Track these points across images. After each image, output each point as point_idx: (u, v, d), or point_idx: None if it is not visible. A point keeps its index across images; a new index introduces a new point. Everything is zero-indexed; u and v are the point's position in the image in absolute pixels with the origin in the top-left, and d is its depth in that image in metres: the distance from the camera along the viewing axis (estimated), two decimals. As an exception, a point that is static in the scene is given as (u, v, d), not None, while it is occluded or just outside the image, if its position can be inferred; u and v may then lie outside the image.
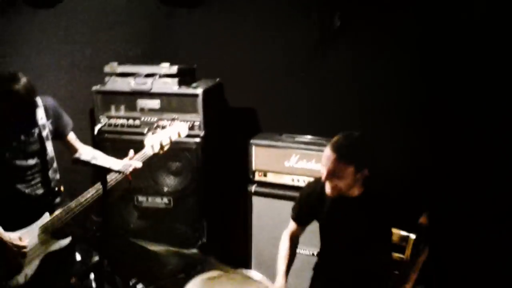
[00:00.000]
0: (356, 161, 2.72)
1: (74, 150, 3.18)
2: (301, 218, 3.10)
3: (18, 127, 2.98)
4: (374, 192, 2.85)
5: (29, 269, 3.03)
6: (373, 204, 2.84)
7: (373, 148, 2.84)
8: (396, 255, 3.11)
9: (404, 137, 3.85)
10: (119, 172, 2.79)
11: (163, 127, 3.16)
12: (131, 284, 2.61)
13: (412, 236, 3.06)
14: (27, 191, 3.02)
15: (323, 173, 2.77)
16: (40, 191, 3.07)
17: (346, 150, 2.71)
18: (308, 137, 3.89)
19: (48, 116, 3.09)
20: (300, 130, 3.95)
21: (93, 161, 2.76)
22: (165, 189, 3.76)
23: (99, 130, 3.74)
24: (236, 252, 3.82)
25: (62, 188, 3.16)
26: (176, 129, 3.19)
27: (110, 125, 3.76)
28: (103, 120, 3.75)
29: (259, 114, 4.25)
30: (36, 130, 3.04)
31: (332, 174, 2.73)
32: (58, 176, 3.15)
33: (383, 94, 3.90)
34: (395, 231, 3.08)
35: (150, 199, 3.79)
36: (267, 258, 3.82)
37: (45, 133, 3.05)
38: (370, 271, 2.90)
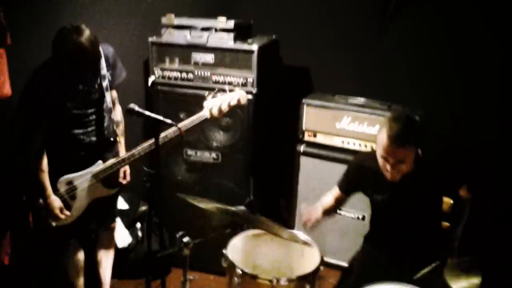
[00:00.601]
0: (414, 143, 2.74)
1: None
2: (347, 187, 3.09)
3: (81, 79, 3.01)
4: (424, 163, 2.82)
5: (76, 212, 3.13)
6: (424, 175, 2.82)
7: (423, 125, 2.82)
8: (445, 223, 3.07)
9: (456, 113, 3.75)
10: (171, 125, 2.81)
11: (224, 92, 3.13)
12: (177, 236, 2.65)
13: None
14: (82, 137, 3.08)
15: (382, 162, 2.75)
16: (94, 139, 3.13)
17: (405, 137, 2.69)
18: (361, 99, 3.82)
19: (108, 66, 3.11)
20: (354, 91, 3.88)
21: (147, 113, 2.80)
22: (214, 144, 3.77)
23: (153, 82, 3.75)
24: (281, 211, 3.84)
25: (118, 139, 3.22)
26: (236, 96, 3.16)
27: (163, 77, 3.76)
28: (157, 72, 3.76)
29: (313, 74, 4.19)
30: (98, 81, 3.07)
31: (396, 163, 2.73)
32: (113, 127, 3.20)
33: (439, 66, 3.79)
34: (444, 199, 3.04)
35: (199, 153, 3.81)
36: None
37: (105, 83, 3.09)
38: (420, 240, 2.88)
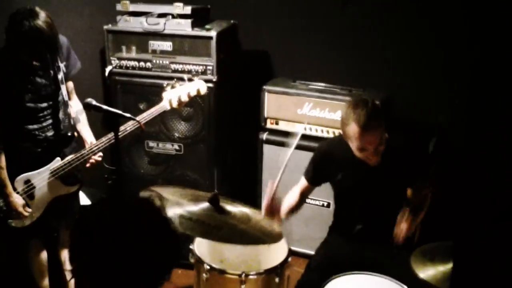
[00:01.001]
0: (382, 123, 2.72)
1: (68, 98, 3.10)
2: (314, 178, 3.05)
3: (35, 68, 2.89)
4: (393, 146, 2.81)
5: (36, 211, 3.03)
6: (394, 159, 2.81)
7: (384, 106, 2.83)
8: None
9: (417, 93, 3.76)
10: (130, 119, 2.74)
11: (182, 83, 3.09)
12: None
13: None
14: (37, 132, 2.97)
15: (367, 153, 2.73)
16: (50, 134, 3.02)
17: (374, 119, 2.68)
18: (322, 85, 3.80)
19: (62, 57, 3.00)
20: (315, 77, 3.85)
21: (105, 107, 2.71)
22: (176, 135, 3.70)
23: (110, 72, 3.64)
24: (246, 199, 3.80)
25: (76, 134, 3.11)
26: (195, 86, 3.14)
27: (121, 66, 3.65)
28: (114, 62, 3.65)
29: (273, 59, 4.13)
30: (52, 72, 2.95)
31: (377, 147, 2.72)
32: (71, 122, 3.09)
33: (400, 48, 3.78)
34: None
35: (160, 144, 3.73)
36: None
37: (60, 76, 2.97)
38: (386, 224, 2.89)
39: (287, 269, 2.84)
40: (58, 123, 3.05)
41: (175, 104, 3.07)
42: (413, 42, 3.73)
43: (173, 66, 3.61)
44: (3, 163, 2.88)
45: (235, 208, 2.54)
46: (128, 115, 2.70)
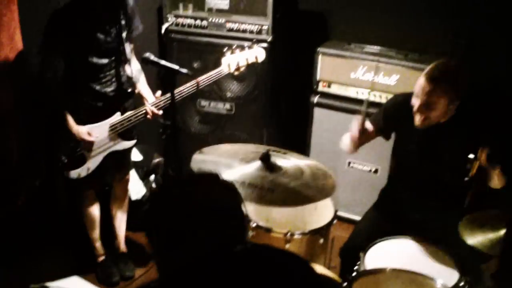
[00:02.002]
0: (452, 93, 2.61)
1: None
2: (382, 123, 2.93)
3: (99, 24, 2.95)
4: (462, 116, 2.73)
5: (92, 163, 3.12)
6: (460, 130, 2.72)
7: (468, 77, 2.70)
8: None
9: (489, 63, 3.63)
10: (187, 75, 2.77)
11: (242, 49, 3.10)
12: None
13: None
14: (98, 87, 3.05)
15: (416, 104, 2.66)
16: (110, 89, 3.09)
17: (443, 82, 2.58)
18: (377, 48, 3.73)
19: (127, 17, 3.04)
20: (371, 40, 3.79)
21: (163, 62, 2.75)
22: (228, 94, 3.73)
23: (166, 29, 3.68)
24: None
25: (136, 91, 3.17)
26: (254, 53, 3.14)
27: (177, 24, 3.69)
28: (171, 19, 3.68)
29: (329, 21, 4.07)
30: (115, 30, 3.00)
31: (425, 106, 2.64)
32: (132, 79, 3.14)
33: (463, 12, 3.64)
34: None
35: (212, 104, 3.78)
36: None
37: (124, 34, 3.02)
38: (442, 193, 2.84)
39: (332, 231, 2.87)
40: (119, 80, 3.11)
41: (233, 69, 3.10)
42: (473, 7, 3.61)
43: (228, 25, 3.62)
44: (64, 103, 2.96)
45: (286, 162, 2.56)
46: (185, 70, 2.73)
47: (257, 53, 3.16)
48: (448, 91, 2.61)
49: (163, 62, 2.73)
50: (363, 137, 2.85)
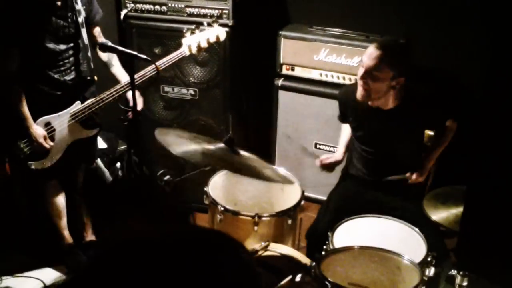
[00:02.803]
0: (397, 65, 2.69)
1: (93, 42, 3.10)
2: (343, 117, 3.12)
3: (54, 9, 2.87)
4: (411, 93, 2.80)
5: (56, 154, 3.07)
6: (412, 106, 2.81)
7: (412, 57, 2.79)
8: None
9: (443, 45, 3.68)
10: (146, 60, 2.73)
11: (202, 29, 3.08)
12: (158, 174, 2.63)
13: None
14: (56, 76, 2.98)
15: (360, 73, 2.70)
16: (69, 78, 3.03)
17: (391, 51, 2.69)
18: (339, 31, 3.74)
19: (82, 1, 2.97)
20: (332, 23, 3.79)
21: (121, 48, 2.71)
22: (191, 79, 3.69)
23: (125, 15, 3.61)
24: (260, 146, 3.81)
25: (95, 78, 3.11)
26: (215, 32, 3.12)
27: (136, 10, 3.62)
28: (129, 5, 3.62)
29: (290, 4, 4.06)
30: (71, 15, 2.93)
31: (369, 73, 2.69)
32: (91, 66, 3.08)
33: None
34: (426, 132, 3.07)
35: (176, 89, 3.73)
36: (290, 153, 3.83)
37: (80, 19, 2.95)
38: (402, 171, 2.92)
39: (299, 212, 2.88)
40: (78, 67, 3.06)
41: (194, 50, 3.07)
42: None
43: (188, 10, 3.57)
44: (22, 98, 2.90)
45: (249, 155, 2.56)
46: (143, 56, 2.71)
47: (218, 32, 3.14)
48: (392, 62, 2.69)
49: (120, 48, 2.70)
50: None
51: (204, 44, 3.08)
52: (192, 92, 3.72)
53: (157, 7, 3.61)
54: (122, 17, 3.61)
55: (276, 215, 2.77)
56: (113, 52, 2.76)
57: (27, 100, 2.92)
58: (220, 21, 3.47)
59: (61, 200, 3.33)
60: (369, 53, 2.70)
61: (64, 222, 3.38)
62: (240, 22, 3.60)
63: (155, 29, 3.64)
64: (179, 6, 3.58)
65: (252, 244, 2.67)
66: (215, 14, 3.53)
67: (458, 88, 3.59)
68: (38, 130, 2.96)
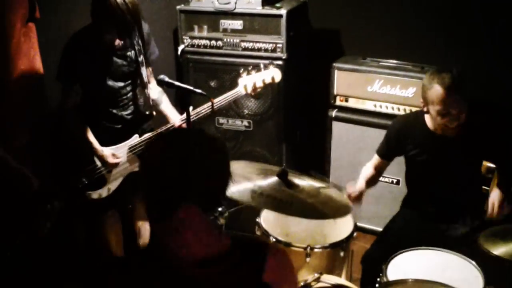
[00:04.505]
0: (466, 93, 2.69)
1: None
2: (388, 153, 3.05)
3: (114, 49, 3.00)
4: (473, 125, 2.77)
5: (112, 185, 3.18)
6: (471, 139, 2.78)
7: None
8: (484, 188, 3.04)
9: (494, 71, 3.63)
10: (201, 95, 2.81)
11: (259, 70, 3.16)
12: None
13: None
14: (115, 111, 3.11)
15: (446, 120, 2.71)
16: (127, 112, 3.15)
17: (460, 84, 2.67)
18: (393, 62, 3.75)
19: (144, 41, 3.10)
20: (385, 54, 3.80)
21: (177, 83, 2.81)
22: (246, 111, 3.77)
23: (182, 50, 3.75)
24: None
25: (154, 113, 3.23)
26: (271, 73, 3.19)
27: (193, 45, 3.76)
28: (186, 41, 3.75)
29: (343, 37, 4.11)
30: (131, 54, 3.06)
31: (457, 114, 2.68)
32: (150, 102, 3.19)
33: (474, 24, 3.65)
34: (483, 162, 3.02)
35: (230, 121, 3.82)
36: (344, 185, 3.81)
37: (140, 58, 3.08)
38: (460, 203, 2.87)
39: (352, 244, 2.86)
40: (136, 103, 3.17)
41: (249, 90, 3.15)
42: (490, 18, 3.60)
43: (243, 44, 3.67)
44: (87, 127, 3.02)
45: (303, 182, 2.56)
46: (199, 91, 2.78)
47: (274, 74, 3.21)
48: (465, 95, 2.68)
49: (177, 83, 2.78)
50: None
51: (259, 84, 3.15)
52: (246, 124, 3.79)
53: (213, 42, 3.72)
54: (179, 52, 3.74)
55: (328, 247, 2.76)
56: (169, 87, 2.85)
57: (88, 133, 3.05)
58: (274, 54, 3.56)
59: (118, 230, 3.42)
60: (454, 100, 2.66)
61: (120, 251, 3.46)
62: (293, 55, 3.66)
63: (211, 63, 3.75)
64: (235, 41, 3.68)
65: (304, 275, 2.67)
66: (269, 48, 3.61)
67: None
68: (105, 151, 3.07)
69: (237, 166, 2.63)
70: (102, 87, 3.03)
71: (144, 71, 3.12)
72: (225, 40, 3.70)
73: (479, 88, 3.57)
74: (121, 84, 3.08)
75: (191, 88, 2.77)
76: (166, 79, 2.84)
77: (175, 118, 3.16)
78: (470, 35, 3.67)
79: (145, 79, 3.13)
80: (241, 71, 3.17)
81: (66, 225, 3.41)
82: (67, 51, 2.95)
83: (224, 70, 3.70)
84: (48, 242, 3.32)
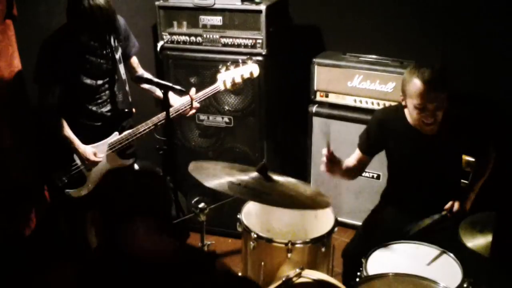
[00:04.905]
0: (446, 88, 2.70)
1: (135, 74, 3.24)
2: (369, 148, 3.03)
3: (91, 49, 3.00)
4: (453, 115, 2.79)
5: (92, 183, 3.17)
6: (454, 128, 2.80)
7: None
8: (464, 181, 3.07)
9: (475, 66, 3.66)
10: (181, 91, 2.80)
11: (237, 65, 3.18)
12: (193, 202, 2.68)
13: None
14: (94, 108, 3.10)
15: (423, 116, 2.72)
16: (106, 109, 3.15)
17: (440, 79, 2.68)
18: (372, 57, 3.77)
19: (119, 38, 3.09)
20: (365, 49, 3.82)
21: (156, 79, 2.80)
22: (226, 108, 3.76)
23: (162, 47, 3.72)
24: (295, 172, 3.84)
25: (134, 110, 3.23)
26: (249, 68, 3.21)
27: (172, 41, 3.73)
28: (166, 37, 3.73)
29: (323, 33, 4.11)
30: (109, 52, 3.06)
31: (435, 110, 2.70)
32: (129, 99, 3.20)
33: (454, 19, 3.68)
34: (463, 156, 3.04)
35: (211, 117, 3.81)
36: (326, 180, 3.83)
37: (117, 55, 3.08)
38: (440, 197, 2.88)
39: (333, 239, 2.87)
40: (114, 99, 3.17)
41: (229, 86, 3.18)
42: (467, 11, 3.63)
43: (223, 40, 3.65)
44: (65, 125, 3.01)
45: (283, 179, 2.57)
46: (178, 87, 2.77)
47: (252, 69, 3.23)
48: (445, 91, 2.69)
49: (156, 79, 2.78)
50: (342, 169, 2.94)
51: (238, 80, 3.18)
52: (227, 120, 3.78)
53: (193, 38, 3.70)
54: (158, 48, 3.71)
55: (309, 242, 2.77)
56: (148, 83, 2.85)
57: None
58: (254, 50, 3.55)
59: (99, 226, 3.40)
60: (431, 85, 2.66)
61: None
62: (273, 50, 3.66)
63: (190, 59, 3.73)
64: (214, 36, 3.66)
65: (285, 271, 2.67)
66: (249, 44, 3.60)
67: (494, 112, 3.56)
68: (87, 148, 3.07)
69: (216, 167, 2.65)
70: (80, 85, 3.02)
71: (122, 68, 3.11)
72: (204, 36, 3.68)
73: (459, 82, 3.62)
74: (99, 82, 3.07)
75: (170, 84, 2.76)
76: (145, 75, 2.84)
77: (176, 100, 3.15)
78: (450, 30, 3.69)
79: (123, 76, 3.13)
80: (219, 67, 3.17)
81: (51, 221, 3.40)
82: (43, 52, 2.94)
83: (204, 66, 3.68)
84: (35, 235, 3.32)
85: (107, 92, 3.12)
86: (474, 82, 3.68)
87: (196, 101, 3.10)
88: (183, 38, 3.72)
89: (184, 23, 3.72)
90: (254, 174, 2.48)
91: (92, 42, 2.96)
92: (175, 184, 2.84)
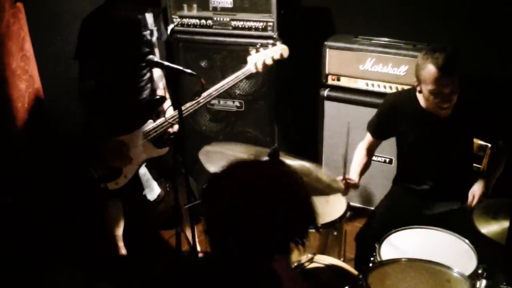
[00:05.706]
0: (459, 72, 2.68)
1: None
2: (379, 132, 3.02)
3: (131, 28, 2.98)
4: (464, 100, 2.75)
5: (129, 173, 3.13)
6: (463, 117, 2.76)
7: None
8: (476, 165, 3.04)
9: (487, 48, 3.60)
10: (191, 74, 2.76)
11: (266, 47, 3.13)
12: (204, 186, 2.65)
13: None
14: (131, 95, 3.08)
15: (438, 101, 2.69)
16: (144, 96, 3.12)
17: (453, 64, 2.65)
18: (385, 40, 3.71)
19: (156, 21, 3.08)
20: (377, 32, 3.76)
21: (166, 63, 2.76)
22: (237, 92, 3.73)
23: (172, 30, 3.69)
24: (306, 157, 3.82)
25: (167, 96, 3.20)
26: (279, 50, 3.15)
27: (182, 25, 3.71)
28: (176, 20, 3.70)
29: (335, 15, 4.05)
30: (148, 35, 3.03)
31: (450, 94, 2.67)
32: (163, 84, 3.17)
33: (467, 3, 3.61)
34: (474, 140, 3.00)
35: (222, 101, 3.78)
36: (337, 164, 3.79)
37: (154, 38, 3.05)
38: (452, 181, 2.86)
39: (345, 224, 2.85)
40: (152, 84, 3.15)
41: (260, 67, 3.10)
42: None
43: (233, 23, 3.62)
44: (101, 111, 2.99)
45: (295, 162, 2.55)
46: (189, 71, 2.73)
47: (282, 50, 3.17)
48: (458, 75, 2.66)
49: (166, 63, 2.74)
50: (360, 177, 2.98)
51: (269, 62, 3.11)
52: (238, 104, 3.76)
53: (203, 21, 3.67)
54: (169, 32, 3.68)
55: (321, 227, 2.76)
56: (159, 67, 2.82)
57: (104, 119, 3.01)
58: (265, 33, 3.52)
59: (119, 211, 3.38)
60: (449, 81, 2.65)
61: (120, 231, 3.43)
62: (284, 33, 3.62)
63: (201, 43, 3.71)
64: (225, 19, 3.63)
65: (297, 256, 2.66)
66: (260, 27, 3.56)
67: (507, 95, 3.50)
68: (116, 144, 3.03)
69: (228, 148, 2.62)
70: (120, 68, 2.99)
71: (157, 52, 3.07)
72: (215, 19, 3.65)
73: (471, 64, 3.58)
74: (139, 65, 3.05)
75: (181, 68, 2.72)
76: (155, 59, 2.80)
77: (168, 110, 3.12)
78: (462, 12, 3.63)
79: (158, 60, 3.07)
80: (250, 49, 3.11)
81: (65, 211, 3.39)
82: (83, 31, 2.91)
83: (215, 50, 3.66)
84: (46, 225, 3.32)
85: (145, 77, 3.10)
86: (487, 64, 3.62)
87: (224, 86, 3.05)
88: (193, 21, 3.69)
89: (194, 5, 3.70)
90: (266, 159, 2.46)
91: (133, 21, 2.92)
92: (186, 168, 2.81)
